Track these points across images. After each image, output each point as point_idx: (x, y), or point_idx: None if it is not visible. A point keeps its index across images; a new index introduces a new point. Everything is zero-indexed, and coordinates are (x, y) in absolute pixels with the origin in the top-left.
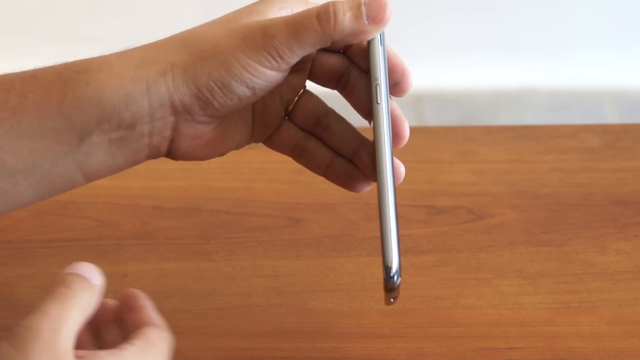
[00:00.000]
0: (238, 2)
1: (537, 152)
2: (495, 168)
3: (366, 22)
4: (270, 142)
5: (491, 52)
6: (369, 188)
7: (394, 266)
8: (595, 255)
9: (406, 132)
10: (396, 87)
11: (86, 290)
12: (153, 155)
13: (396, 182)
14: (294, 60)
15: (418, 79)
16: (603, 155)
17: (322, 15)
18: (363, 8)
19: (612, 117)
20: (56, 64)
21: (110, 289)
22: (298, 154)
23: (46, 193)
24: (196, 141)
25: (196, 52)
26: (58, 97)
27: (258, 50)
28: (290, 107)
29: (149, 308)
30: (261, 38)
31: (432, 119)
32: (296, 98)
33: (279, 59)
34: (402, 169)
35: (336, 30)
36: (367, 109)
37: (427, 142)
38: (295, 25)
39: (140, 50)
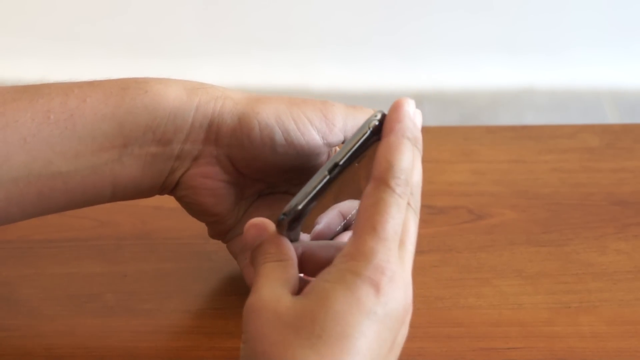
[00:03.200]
0: (238, 1)
1: (537, 152)
2: (495, 168)
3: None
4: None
5: (491, 52)
6: None
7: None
8: (595, 255)
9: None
10: None
11: (268, 254)
12: (167, 185)
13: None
14: (334, 140)
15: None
16: (603, 155)
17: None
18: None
19: (612, 117)
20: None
21: (110, 289)
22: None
23: (76, 202)
24: (205, 181)
25: (253, 97)
26: (115, 102)
27: (315, 109)
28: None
29: None
30: (321, 103)
31: (432, 119)
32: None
33: (330, 124)
34: None
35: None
36: None
37: (427, 142)
38: (355, 107)
39: (201, 81)
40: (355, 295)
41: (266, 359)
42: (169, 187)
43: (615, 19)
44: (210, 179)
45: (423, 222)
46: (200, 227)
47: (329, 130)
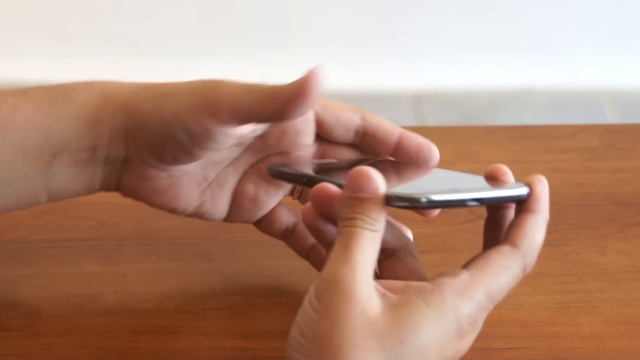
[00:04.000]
0: (237, 1)
1: (537, 152)
2: None
3: (298, 87)
4: (260, 225)
5: (491, 52)
6: None
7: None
8: (595, 255)
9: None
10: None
11: (368, 218)
12: (105, 186)
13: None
14: (228, 122)
15: (418, 79)
16: (603, 155)
17: (269, 87)
18: (296, 81)
19: (612, 117)
20: (45, 85)
21: (110, 289)
22: (287, 237)
23: (11, 207)
24: (143, 182)
25: (156, 90)
26: (45, 113)
27: (206, 98)
28: (296, 193)
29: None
30: (211, 89)
31: (432, 119)
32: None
33: (219, 114)
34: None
35: (277, 100)
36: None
37: None
38: (245, 89)
39: (121, 82)
40: (445, 335)
41: (338, 355)
42: (111, 189)
43: (615, 19)
44: (147, 180)
45: (423, 222)
46: (200, 227)
47: (218, 120)
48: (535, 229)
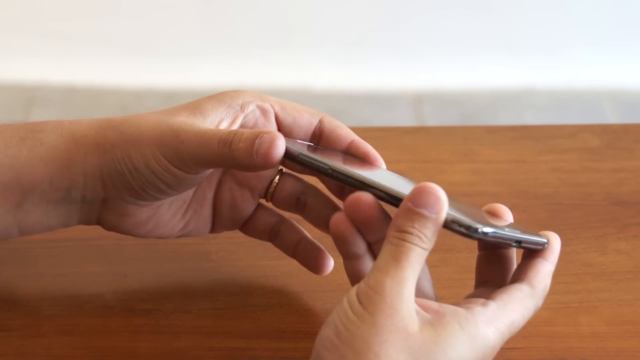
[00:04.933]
0: (238, 1)
1: (537, 152)
2: (495, 168)
3: (255, 156)
4: (246, 230)
5: (491, 52)
6: (331, 268)
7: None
8: (595, 255)
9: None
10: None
11: (424, 236)
12: (84, 221)
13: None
14: (194, 170)
15: (418, 79)
16: (603, 155)
17: (223, 140)
18: (257, 142)
19: (612, 117)
20: (17, 122)
21: (110, 289)
22: (273, 237)
23: None
24: (125, 218)
25: (125, 134)
26: (13, 154)
27: (169, 149)
28: (269, 196)
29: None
30: (172, 140)
31: (432, 119)
32: (274, 186)
33: (183, 163)
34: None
35: (232, 158)
36: (325, 224)
37: (427, 142)
38: (202, 141)
39: (90, 120)
40: (472, 359)
41: None
42: (91, 223)
43: (615, 19)
44: (128, 216)
45: None
46: None
47: (186, 167)
48: (548, 277)
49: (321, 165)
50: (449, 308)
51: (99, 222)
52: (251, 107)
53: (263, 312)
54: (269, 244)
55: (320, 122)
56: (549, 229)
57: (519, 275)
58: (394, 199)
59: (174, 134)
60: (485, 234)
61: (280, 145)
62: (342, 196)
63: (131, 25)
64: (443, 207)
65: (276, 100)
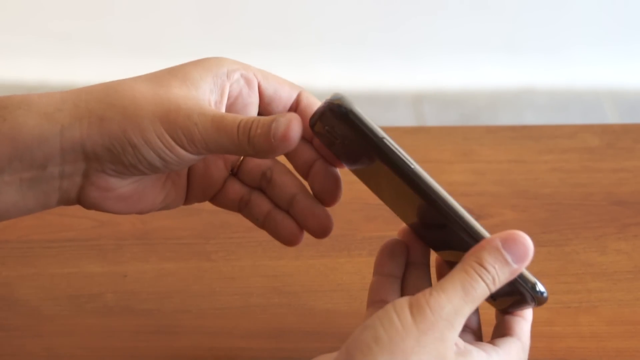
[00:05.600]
0: (238, 1)
1: (537, 152)
2: (495, 168)
3: (272, 141)
4: (216, 200)
5: (491, 52)
6: (302, 240)
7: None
8: (595, 255)
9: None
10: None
11: (497, 280)
12: (63, 200)
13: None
14: (202, 153)
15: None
16: (603, 155)
17: (242, 128)
18: (273, 125)
19: (612, 117)
20: None
21: (110, 289)
22: (242, 207)
23: None
24: (107, 193)
25: (117, 106)
26: None
27: (177, 129)
28: (235, 168)
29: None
30: (183, 120)
31: (432, 119)
32: (240, 158)
33: (192, 146)
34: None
35: (251, 145)
36: (286, 202)
37: (427, 142)
38: (220, 127)
39: (63, 93)
40: None
41: None
42: (71, 202)
43: (615, 19)
44: (111, 190)
45: None
46: (201, 227)
47: (194, 149)
48: (529, 333)
49: (401, 155)
50: (474, 342)
51: (79, 200)
52: (236, 76)
53: (263, 312)
54: (269, 244)
55: (299, 95)
56: (548, 229)
57: (505, 331)
58: (470, 233)
59: (184, 115)
60: (546, 299)
61: (297, 126)
62: (307, 176)
63: (131, 25)
64: (527, 262)
65: (258, 69)
